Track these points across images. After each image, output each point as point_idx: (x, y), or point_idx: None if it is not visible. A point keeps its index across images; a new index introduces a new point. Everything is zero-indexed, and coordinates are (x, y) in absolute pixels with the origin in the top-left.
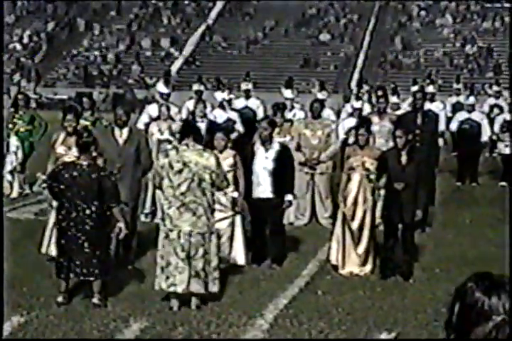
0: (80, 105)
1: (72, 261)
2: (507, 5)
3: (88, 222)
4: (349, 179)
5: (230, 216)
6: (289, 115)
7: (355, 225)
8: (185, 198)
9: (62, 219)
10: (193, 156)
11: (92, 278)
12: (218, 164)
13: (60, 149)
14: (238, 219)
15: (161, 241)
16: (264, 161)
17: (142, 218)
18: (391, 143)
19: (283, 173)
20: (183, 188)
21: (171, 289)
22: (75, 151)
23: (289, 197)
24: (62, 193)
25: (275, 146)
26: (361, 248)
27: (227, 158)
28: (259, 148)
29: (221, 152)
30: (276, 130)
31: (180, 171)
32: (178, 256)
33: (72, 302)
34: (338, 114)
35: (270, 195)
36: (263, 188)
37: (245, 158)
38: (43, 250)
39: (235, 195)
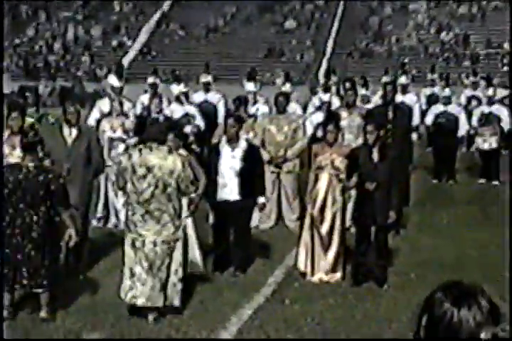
0: (24, 100)
1: (18, 271)
2: None
3: (35, 228)
4: (317, 179)
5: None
6: (252, 110)
7: (324, 229)
8: (149, 205)
9: (6, 227)
10: (157, 160)
11: (40, 290)
12: (184, 168)
13: (3, 149)
14: (189, 221)
15: (126, 248)
16: (230, 161)
17: (94, 223)
18: (360, 140)
19: (251, 174)
20: (147, 195)
21: (132, 301)
22: (19, 151)
23: (261, 199)
24: (6, 198)
25: (242, 145)
26: (331, 253)
27: None
28: (224, 147)
29: None
30: None
31: (144, 176)
32: (142, 266)
33: (17, 317)
34: (304, 107)
35: (237, 197)
36: (229, 189)
37: (208, 155)
38: None
39: (192, 195)
